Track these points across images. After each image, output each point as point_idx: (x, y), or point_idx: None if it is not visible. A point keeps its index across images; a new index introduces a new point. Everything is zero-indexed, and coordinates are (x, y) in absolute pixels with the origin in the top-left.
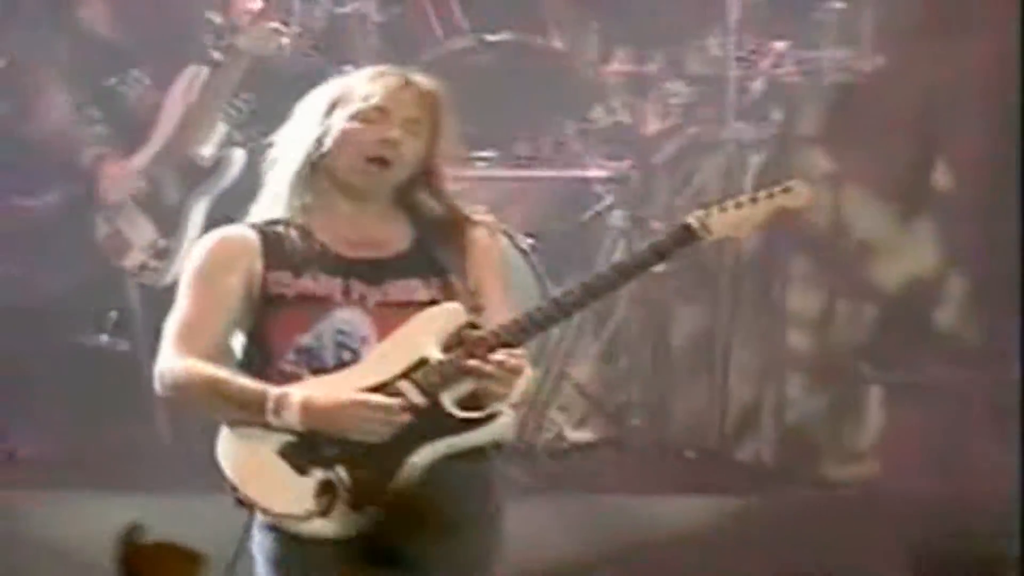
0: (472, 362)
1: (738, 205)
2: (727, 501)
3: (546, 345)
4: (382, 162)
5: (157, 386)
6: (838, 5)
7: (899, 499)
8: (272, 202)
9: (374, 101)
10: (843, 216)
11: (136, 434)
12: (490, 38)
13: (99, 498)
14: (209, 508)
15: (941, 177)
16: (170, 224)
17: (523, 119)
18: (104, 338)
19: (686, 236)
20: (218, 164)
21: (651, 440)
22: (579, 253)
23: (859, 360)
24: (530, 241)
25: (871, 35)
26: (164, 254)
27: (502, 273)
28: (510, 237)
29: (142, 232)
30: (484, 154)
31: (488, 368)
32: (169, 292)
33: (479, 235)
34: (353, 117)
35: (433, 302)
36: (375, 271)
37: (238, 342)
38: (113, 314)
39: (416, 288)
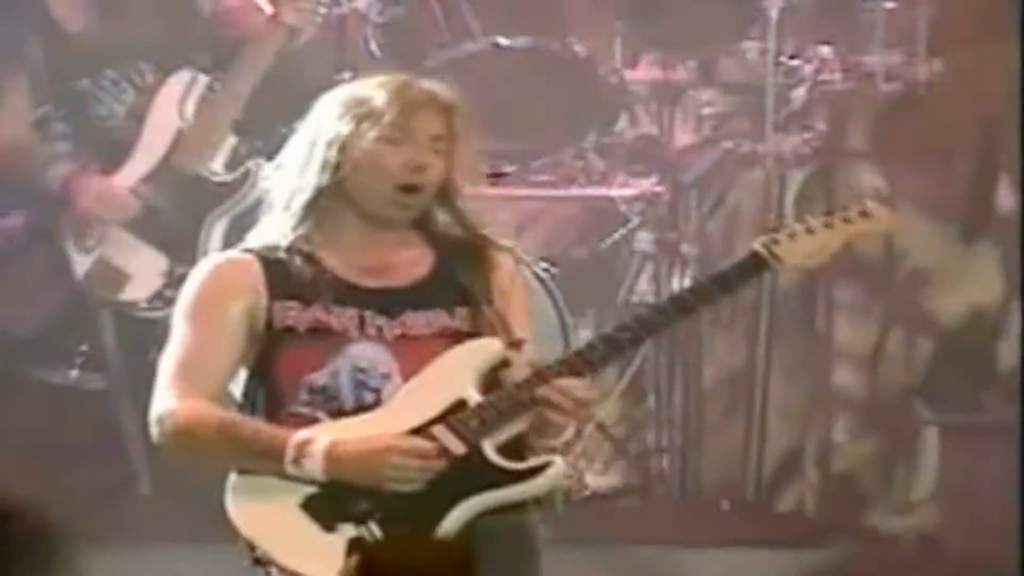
0: (543, 390)
1: (809, 231)
2: (766, 556)
3: None
4: (412, 189)
5: (154, 433)
6: (889, 5)
7: (958, 554)
8: (273, 228)
9: (398, 120)
10: (895, 240)
11: (110, 481)
12: (504, 42)
13: (69, 551)
14: (191, 562)
15: (1004, 197)
16: (179, 250)
17: (539, 131)
18: (74, 374)
19: (755, 265)
20: (240, 181)
21: (681, 488)
22: (602, 279)
23: (913, 399)
24: (552, 270)
25: (926, 38)
26: (181, 282)
27: (527, 304)
28: (527, 265)
29: (146, 260)
30: (497, 170)
31: (558, 397)
32: (149, 325)
33: (503, 261)
34: (375, 139)
35: (459, 334)
36: (393, 301)
37: (237, 383)
38: (84, 348)
39: (440, 320)
